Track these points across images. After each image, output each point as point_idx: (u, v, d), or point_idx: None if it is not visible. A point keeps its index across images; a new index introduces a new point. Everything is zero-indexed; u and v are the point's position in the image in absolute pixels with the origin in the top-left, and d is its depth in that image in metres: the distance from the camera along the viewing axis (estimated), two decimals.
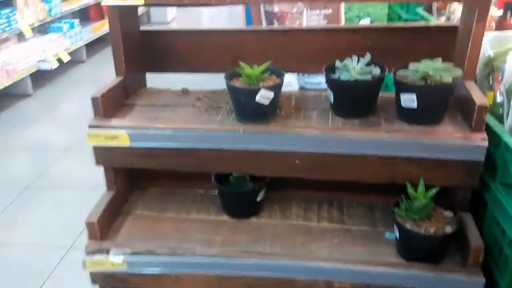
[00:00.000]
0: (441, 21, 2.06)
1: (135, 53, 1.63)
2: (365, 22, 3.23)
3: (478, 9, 1.30)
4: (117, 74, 1.57)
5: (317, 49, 1.63)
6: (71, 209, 2.84)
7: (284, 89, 1.46)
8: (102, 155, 1.46)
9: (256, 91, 1.35)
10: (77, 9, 5.76)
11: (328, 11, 2.92)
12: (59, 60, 5.17)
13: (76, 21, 5.55)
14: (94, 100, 1.42)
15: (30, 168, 3.38)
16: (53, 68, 5.03)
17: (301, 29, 1.66)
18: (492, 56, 1.53)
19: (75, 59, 5.61)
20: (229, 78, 1.44)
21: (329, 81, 1.42)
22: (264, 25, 3.35)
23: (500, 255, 1.32)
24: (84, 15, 6.25)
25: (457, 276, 1.30)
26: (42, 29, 5.33)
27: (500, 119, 1.45)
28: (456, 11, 1.96)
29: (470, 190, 1.39)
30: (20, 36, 4.98)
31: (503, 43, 1.53)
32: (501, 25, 1.69)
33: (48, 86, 5.14)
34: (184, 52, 1.68)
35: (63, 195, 3.02)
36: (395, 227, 1.38)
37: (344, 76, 1.39)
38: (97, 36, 6.09)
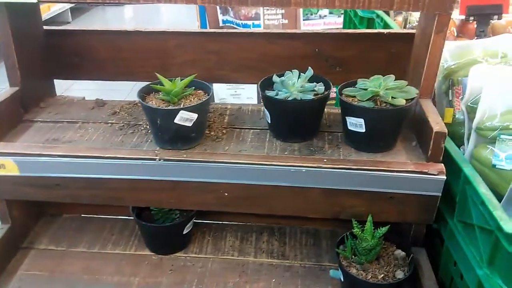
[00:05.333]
0: (398, 21, 1.87)
1: (36, 57, 1.35)
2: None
3: (438, 18, 1.10)
4: (11, 84, 1.29)
5: (256, 56, 1.40)
6: None
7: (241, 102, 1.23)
8: None
9: (175, 113, 1.11)
10: None
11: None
12: None
13: None
14: None
15: None
16: None
17: (238, 32, 1.43)
18: (452, 67, 1.34)
19: None
20: (144, 95, 1.19)
21: (265, 99, 1.19)
22: (220, 18, 3.11)
23: None
24: None
25: None
26: None
27: (460, 139, 1.28)
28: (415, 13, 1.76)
29: (425, 225, 1.22)
30: None
31: (465, 53, 1.34)
32: (462, 30, 1.51)
33: None
34: (99, 56, 1.42)
35: None
36: (340, 269, 1.18)
37: (282, 95, 1.16)
38: (46, 18, 5.63)
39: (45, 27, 1.39)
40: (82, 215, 1.50)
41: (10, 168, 1.15)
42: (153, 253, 1.36)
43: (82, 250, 1.36)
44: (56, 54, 1.41)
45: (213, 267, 1.32)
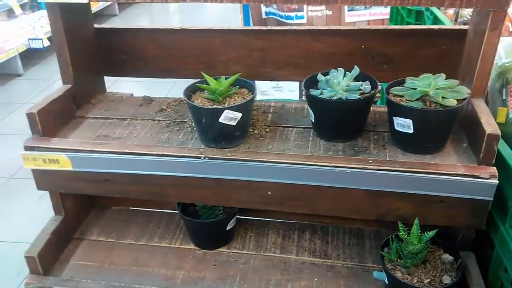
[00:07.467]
0: (449, 14, 1.79)
1: (87, 55, 1.40)
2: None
3: (493, 14, 1.05)
4: (64, 81, 1.34)
5: (301, 53, 1.38)
6: None
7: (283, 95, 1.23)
8: (44, 179, 1.25)
9: (219, 112, 1.12)
10: None
11: None
12: (51, 38, 4.94)
13: None
14: (29, 117, 1.20)
15: (17, 154, 3.17)
16: (44, 46, 4.80)
17: (283, 29, 1.41)
18: (507, 65, 1.28)
19: None
20: (190, 93, 1.21)
21: (309, 98, 1.18)
22: (263, 9, 3.11)
23: None
24: None
25: None
26: (33, 5, 5.09)
27: None
28: None
29: (474, 228, 1.18)
30: (10, 13, 4.76)
31: None
32: None
33: (39, 66, 4.92)
34: (146, 54, 1.45)
35: None
36: (384, 272, 1.17)
37: (326, 94, 1.15)
38: (94, 11, 5.83)
39: (95, 26, 1.43)
40: (130, 208, 1.55)
41: (64, 163, 1.20)
42: (197, 248, 1.39)
43: (130, 242, 1.41)
44: (105, 52, 1.46)
45: (255, 263, 1.33)
